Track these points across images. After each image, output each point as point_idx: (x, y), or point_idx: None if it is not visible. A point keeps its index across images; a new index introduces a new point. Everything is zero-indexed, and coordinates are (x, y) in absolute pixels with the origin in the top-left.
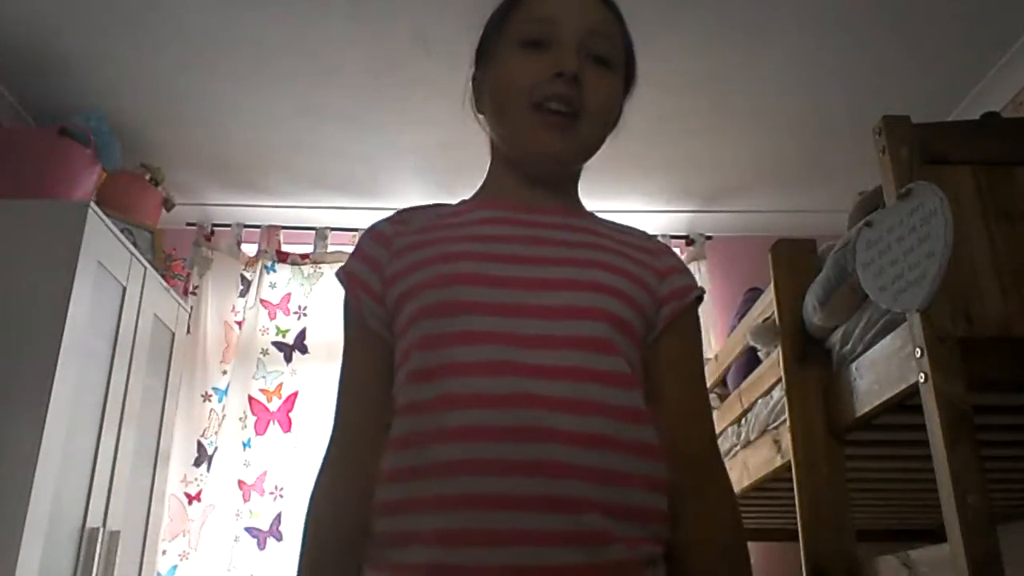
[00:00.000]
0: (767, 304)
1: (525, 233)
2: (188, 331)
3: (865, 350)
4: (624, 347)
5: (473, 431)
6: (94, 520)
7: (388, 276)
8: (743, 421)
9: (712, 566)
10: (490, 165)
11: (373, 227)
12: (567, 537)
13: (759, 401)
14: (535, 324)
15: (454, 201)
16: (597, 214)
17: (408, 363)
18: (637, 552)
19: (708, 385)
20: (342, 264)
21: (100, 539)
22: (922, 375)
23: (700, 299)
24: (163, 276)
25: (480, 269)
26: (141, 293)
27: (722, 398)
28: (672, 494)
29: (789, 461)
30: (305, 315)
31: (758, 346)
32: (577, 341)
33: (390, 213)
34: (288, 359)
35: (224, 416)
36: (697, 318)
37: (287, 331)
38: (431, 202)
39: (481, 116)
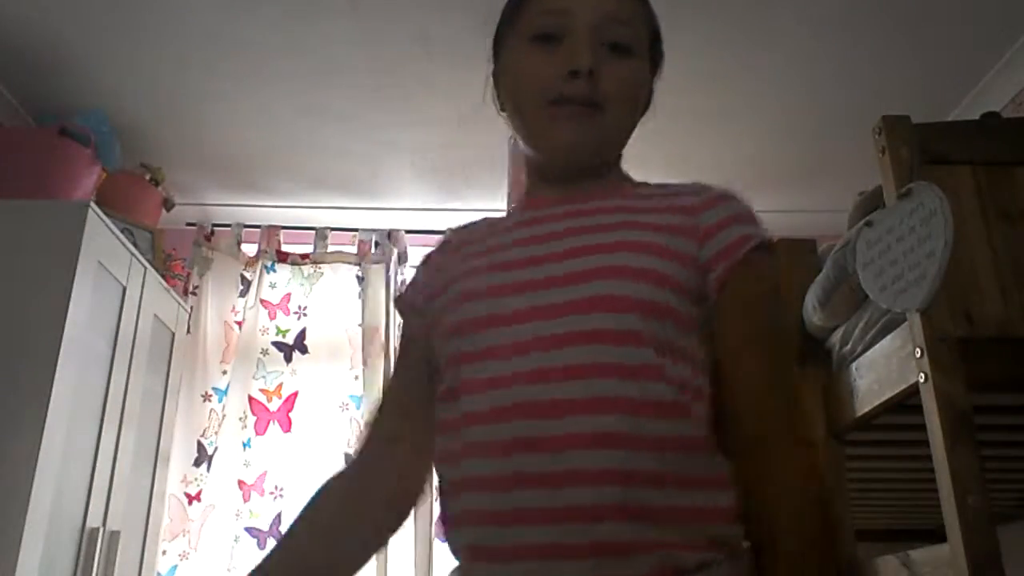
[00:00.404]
0: None
1: (540, 232)
2: (188, 331)
3: (865, 350)
4: (654, 331)
5: (485, 447)
6: (94, 520)
7: (428, 296)
8: None
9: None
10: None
11: (428, 253)
12: (581, 549)
13: None
14: (540, 326)
15: (456, 202)
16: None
17: (439, 385)
18: (672, 559)
19: None
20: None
21: (100, 539)
22: (922, 375)
23: (763, 247)
24: (163, 276)
25: (486, 281)
26: (141, 293)
27: None
28: (738, 481)
29: None
30: (305, 315)
31: None
32: (586, 336)
33: (392, 212)
34: (288, 359)
35: (224, 416)
36: (760, 271)
37: (287, 331)
38: (437, 205)
39: (504, 113)
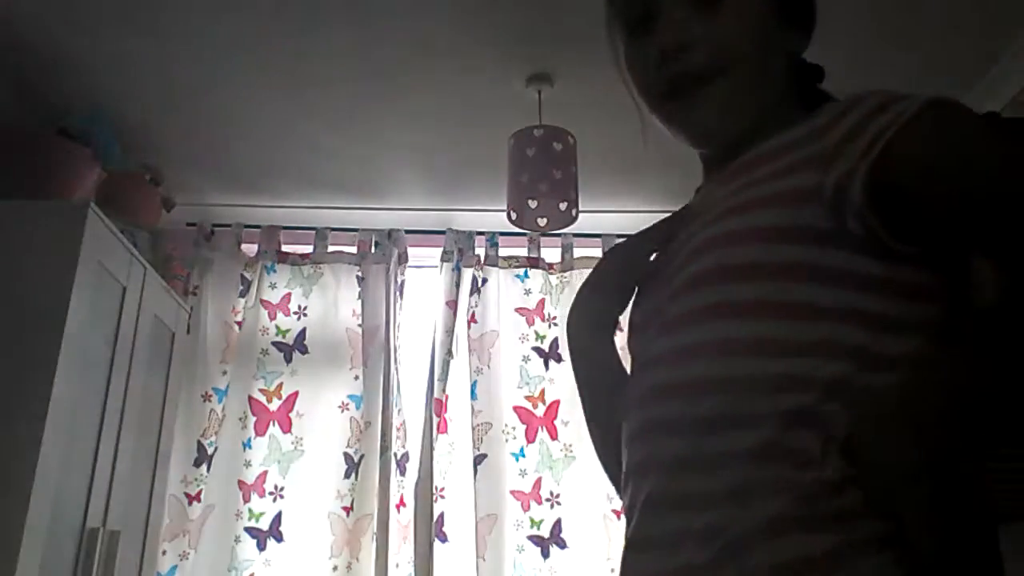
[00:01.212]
0: None
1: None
2: (188, 331)
3: None
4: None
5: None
6: (94, 520)
7: None
8: None
9: None
10: None
11: None
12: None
13: None
14: (660, 356)
15: (456, 202)
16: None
17: None
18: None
19: None
20: None
21: (100, 539)
22: None
23: (924, 113)
24: (163, 276)
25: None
26: (141, 293)
27: None
28: None
29: None
30: (305, 315)
31: None
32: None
33: (392, 212)
34: (288, 359)
35: (224, 416)
36: (931, 127)
37: (287, 331)
38: (437, 205)
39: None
